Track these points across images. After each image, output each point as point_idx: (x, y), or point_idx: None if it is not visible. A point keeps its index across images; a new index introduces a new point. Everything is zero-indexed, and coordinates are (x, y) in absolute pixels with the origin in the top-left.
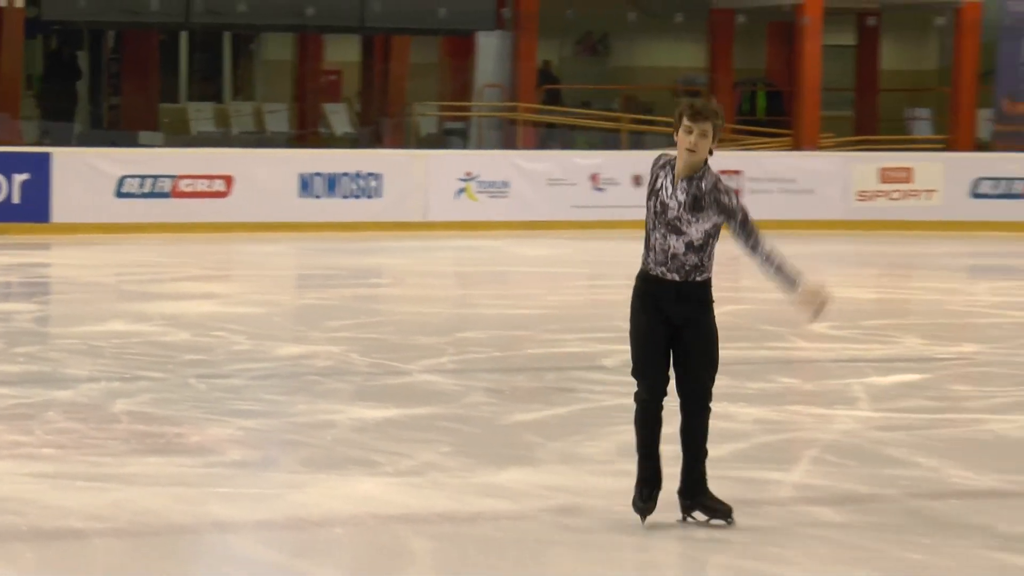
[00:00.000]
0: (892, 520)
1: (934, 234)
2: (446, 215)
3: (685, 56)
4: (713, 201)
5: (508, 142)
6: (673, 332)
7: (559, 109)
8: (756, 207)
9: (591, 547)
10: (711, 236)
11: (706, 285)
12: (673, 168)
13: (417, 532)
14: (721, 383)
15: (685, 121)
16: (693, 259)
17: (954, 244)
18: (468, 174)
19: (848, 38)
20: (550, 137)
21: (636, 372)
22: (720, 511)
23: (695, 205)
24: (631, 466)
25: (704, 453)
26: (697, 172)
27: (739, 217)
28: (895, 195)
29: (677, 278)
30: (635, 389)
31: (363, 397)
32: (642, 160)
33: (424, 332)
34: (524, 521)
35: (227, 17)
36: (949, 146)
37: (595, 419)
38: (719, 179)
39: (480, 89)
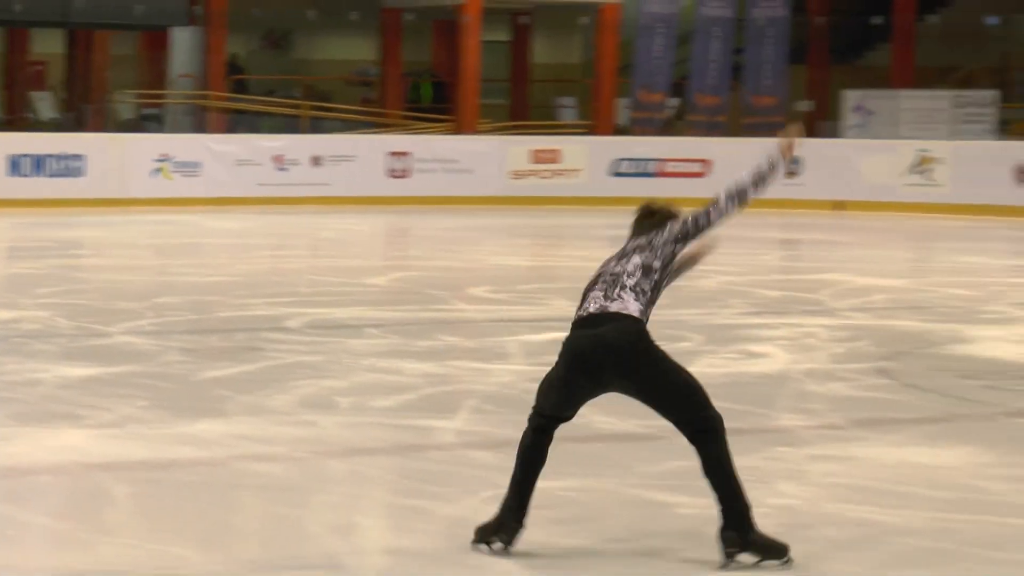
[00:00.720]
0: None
1: (579, 208)
2: (144, 193)
3: (359, 50)
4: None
5: (200, 127)
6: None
7: (246, 97)
8: (423, 186)
9: (274, 489)
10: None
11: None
12: None
13: (117, 479)
14: (390, 342)
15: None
16: None
17: (597, 217)
18: (163, 155)
19: (503, 34)
20: (238, 122)
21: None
22: (773, 549)
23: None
24: (314, 416)
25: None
26: None
27: (679, 231)
28: (545, 174)
29: None
30: None
31: (68, 357)
32: (320, 143)
33: (124, 298)
34: (215, 467)
35: None
36: (592, 131)
37: (280, 375)
38: None
39: (174, 79)
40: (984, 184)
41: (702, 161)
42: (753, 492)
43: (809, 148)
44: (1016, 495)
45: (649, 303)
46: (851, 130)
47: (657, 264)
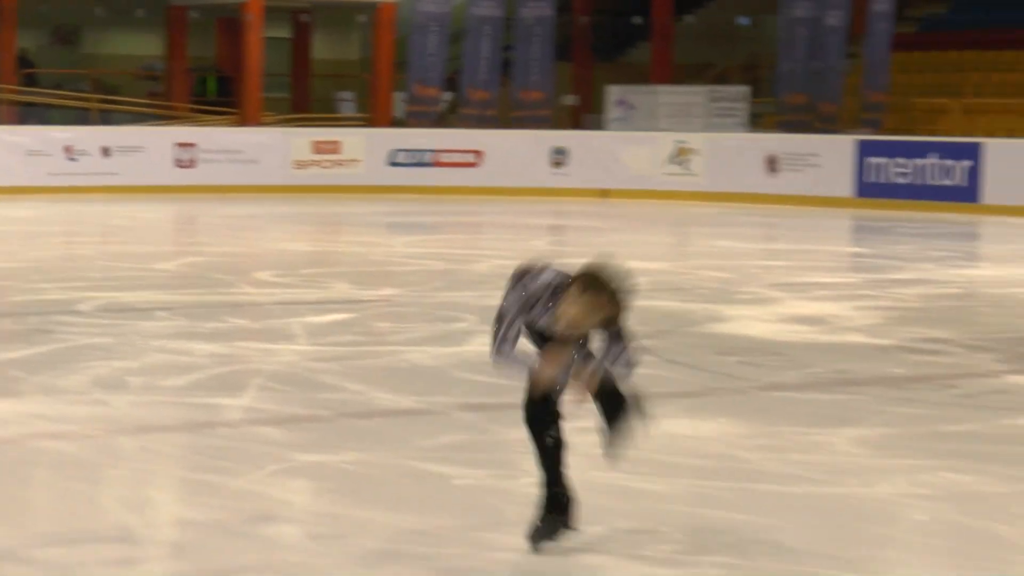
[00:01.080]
0: (327, 437)
1: (359, 197)
2: None
3: (146, 46)
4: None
5: None
6: None
7: (36, 90)
8: (209, 176)
9: (68, 465)
10: None
11: None
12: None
13: None
14: (179, 324)
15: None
16: None
17: (375, 205)
18: None
19: (285, 31)
20: (28, 114)
21: None
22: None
23: None
24: (105, 395)
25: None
26: None
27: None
28: (326, 164)
29: None
30: None
31: None
32: (109, 134)
33: None
34: (8, 445)
35: None
36: (370, 123)
37: (72, 356)
38: None
39: None
40: (737, 173)
41: (474, 152)
42: (524, 463)
43: (575, 140)
44: (769, 463)
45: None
46: (614, 123)
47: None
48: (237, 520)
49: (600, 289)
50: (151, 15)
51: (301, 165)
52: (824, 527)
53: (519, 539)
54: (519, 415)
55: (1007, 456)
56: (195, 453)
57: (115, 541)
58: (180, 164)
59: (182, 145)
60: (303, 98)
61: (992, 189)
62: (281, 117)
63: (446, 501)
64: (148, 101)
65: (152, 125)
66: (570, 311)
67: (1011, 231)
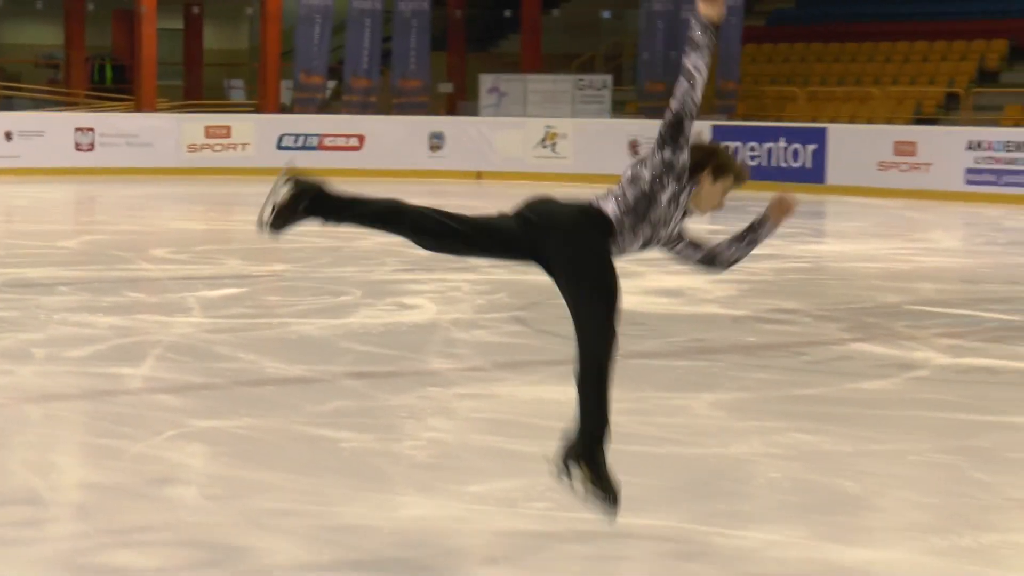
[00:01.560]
0: (222, 404)
1: (248, 178)
2: None
3: (46, 36)
4: None
5: None
6: None
7: None
8: (107, 159)
9: None
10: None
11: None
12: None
13: None
14: (81, 298)
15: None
16: None
17: (264, 186)
18: None
19: (178, 23)
20: None
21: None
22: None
23: None
24: (11, 366)
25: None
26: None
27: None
28: (217, 148)
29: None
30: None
31: None
32: (11, 120)
33: None
34: None
35: None
36: (259, 109)
37: None
38: None
39: None
40: (601, 156)
41: (357, 136)
42: (407, 427)
43: (450, 125)
44: (636, 425)
45: (629, 212)
46: (487, 109)
47: (646, 173)
48: (138, 482)
49: (727, 172)
50: (50, 6)
51: (194, 148)
52: (686, 484)
53: (404, 497)
54: (402, 383)
55: (852, 417)
56: (97, 419)
57: (22, 503)
58: (79, 148)
59: (81, 130)
60: (195, 85)
61: (835, 171)
62: (175, 103)
63: (334, 463)
64: (49, 88)
65: (52, 111)
66: (712, 200)
67: (853, 210)
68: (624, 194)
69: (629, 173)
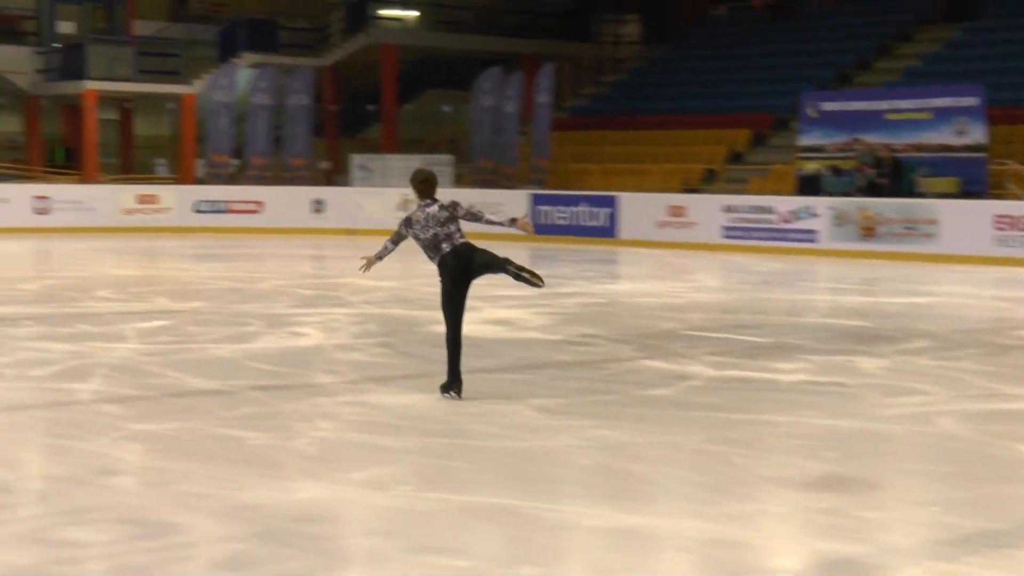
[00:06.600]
0: (154, 411)
1: (173, 235)
2: None
3: (9, 124)
4: (456, 210)
5: None
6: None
7: None
8: (59, 220)
9: None
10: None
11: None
12: (420, 209)
13: None
14: (40, 329)
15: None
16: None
17: (184, 241)
18: None
19: (114, 114)
20: None
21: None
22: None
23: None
24: None
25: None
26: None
27: (460, 210)
28: (148, 211)
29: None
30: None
31: None
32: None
33: None
34: None
35: None
36: (179, 181)
37: None
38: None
39: None
40: None
41: (256, 202)
42: (300, 428)
43: (329, 193)
44: (474, 424)
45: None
46: (357, 181)
47: (460, 223)
48: (87, 473)
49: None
50: (12, 101)
51: (129, 212)
52: (515, 469)
53: (299, 483)
54: (295, 394)
55: (642, 416)
56: (54, 424)
57: None
58: (38, 212)
59: (39, 197)
60: (129, 163)
61: (625, 228)
62: (112, 177)
63: (243, 456)
64: (12, 165)
65: (15, 183)
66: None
67: (639, 258)
68: (462, 231)
69: (456, 225)
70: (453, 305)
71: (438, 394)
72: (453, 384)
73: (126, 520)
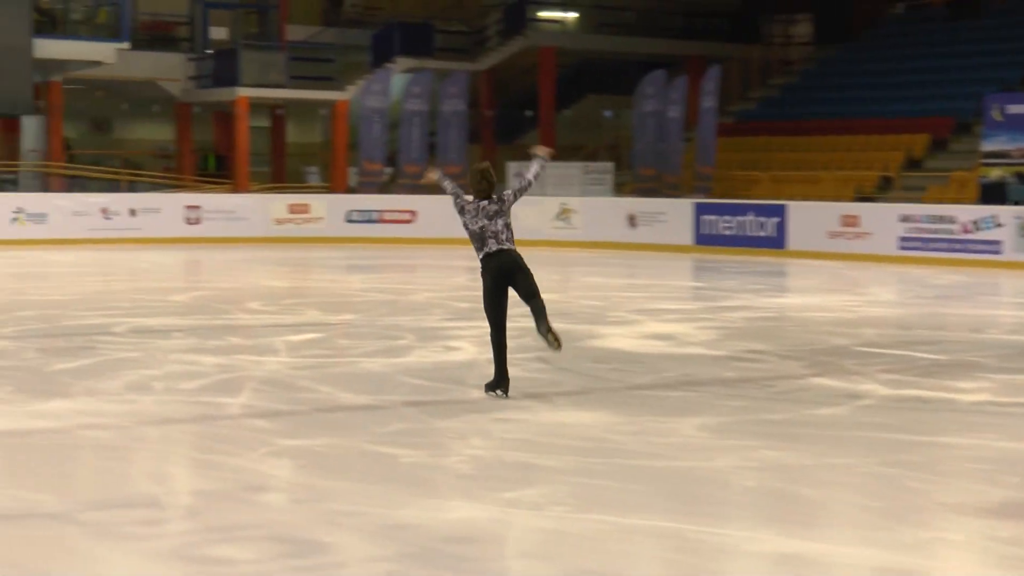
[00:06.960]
0: (304, 426)
1: (324, 245)
2: (5, 236)
3: (161, 132)
4: (505, 199)
5: (45, 187)
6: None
7: (78, 166)
8: (210, 230)
9: (106, 448)
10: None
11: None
12: (474, 200)
13: None
14: (190, 342)
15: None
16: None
17: (336, 252)
18: (19, 208)
19: (265, 121)
20: (73, 184)
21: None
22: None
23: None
24: (135, 396)
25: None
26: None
27: (508, 195)
28: (298, 221)
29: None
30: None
31: None
32: (135, 199)
33: None
34: (62, 434)
35: None
36: (331, 190)
37: (109, 367)
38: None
39: (25, 153)
40: (605, 227)
41: (410, 212)
42: (453, 445)
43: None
44: (634, 443)
45: (512, 237)
46: None
47: (509, 218)
48: (236, 489)
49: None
50: (164, 109)
51: (280, 222)
52: (676, 491)
53: (451, 502)
54: (448, 410)
55: (811, 437)
56: (204, 439)
57: (143, 506)
58: (189, 221)
59: (190, 207)
60: (280, 171)
61: (794, 239)
62: (264, 186)
63: (394, 474)
64: (164, 174)
65: (167, 192)
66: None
67: (809, 270)
68: (511, 231)
69: (504, 220)
70: (494, 306)
71: (598, 412)
72: (500, 383)
73: (275, 538)
